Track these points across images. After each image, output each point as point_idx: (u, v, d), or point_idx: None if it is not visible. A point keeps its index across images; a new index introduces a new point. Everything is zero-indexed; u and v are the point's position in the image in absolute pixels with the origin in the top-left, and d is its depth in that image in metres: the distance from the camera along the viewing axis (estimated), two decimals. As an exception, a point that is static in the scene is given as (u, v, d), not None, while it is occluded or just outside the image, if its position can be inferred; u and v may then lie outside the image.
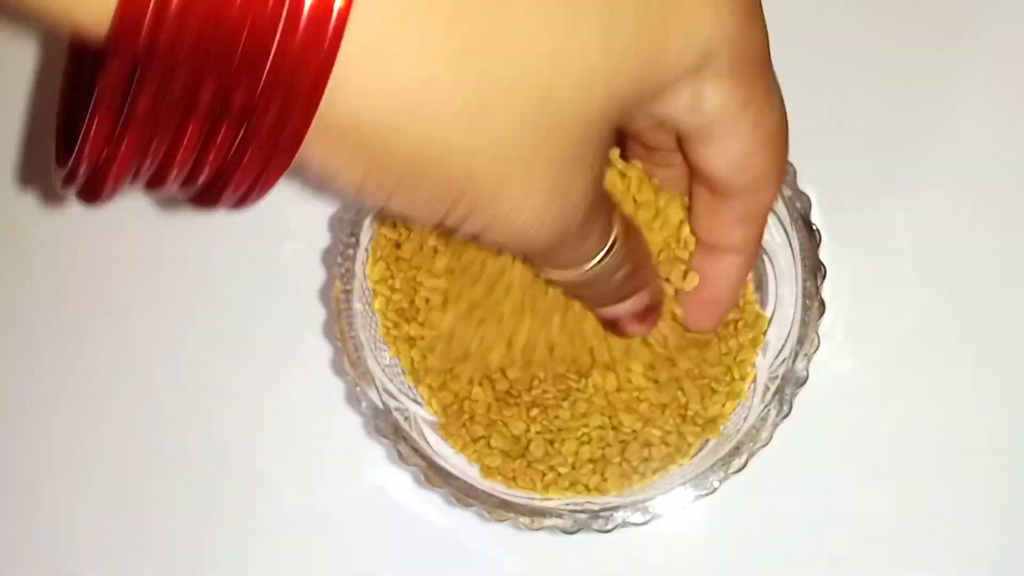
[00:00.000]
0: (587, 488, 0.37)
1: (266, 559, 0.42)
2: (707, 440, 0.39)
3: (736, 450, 0.36)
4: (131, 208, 0.44)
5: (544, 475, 0.37)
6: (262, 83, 0.20)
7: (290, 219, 0.43)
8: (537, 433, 0.37)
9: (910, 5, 0.44)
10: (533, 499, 0.37)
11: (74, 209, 0.44)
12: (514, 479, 0.37)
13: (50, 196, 0.45)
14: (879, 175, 0.43)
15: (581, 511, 0.36)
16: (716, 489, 0.36)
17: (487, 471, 0.37)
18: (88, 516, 0.42)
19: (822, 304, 0.36)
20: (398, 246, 0.38)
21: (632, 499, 0.36)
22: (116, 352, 0.43)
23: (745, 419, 0.38)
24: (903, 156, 0.43)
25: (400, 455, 0.35)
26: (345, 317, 0.36)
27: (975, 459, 0.41)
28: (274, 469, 0.42)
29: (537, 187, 0.24)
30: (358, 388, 0.36)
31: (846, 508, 0.41)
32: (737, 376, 0.39)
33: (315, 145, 0.22)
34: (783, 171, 0.32)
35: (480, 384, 0.38)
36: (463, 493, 0.35)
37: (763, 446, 0.36)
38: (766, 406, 0.36)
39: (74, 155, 0.21)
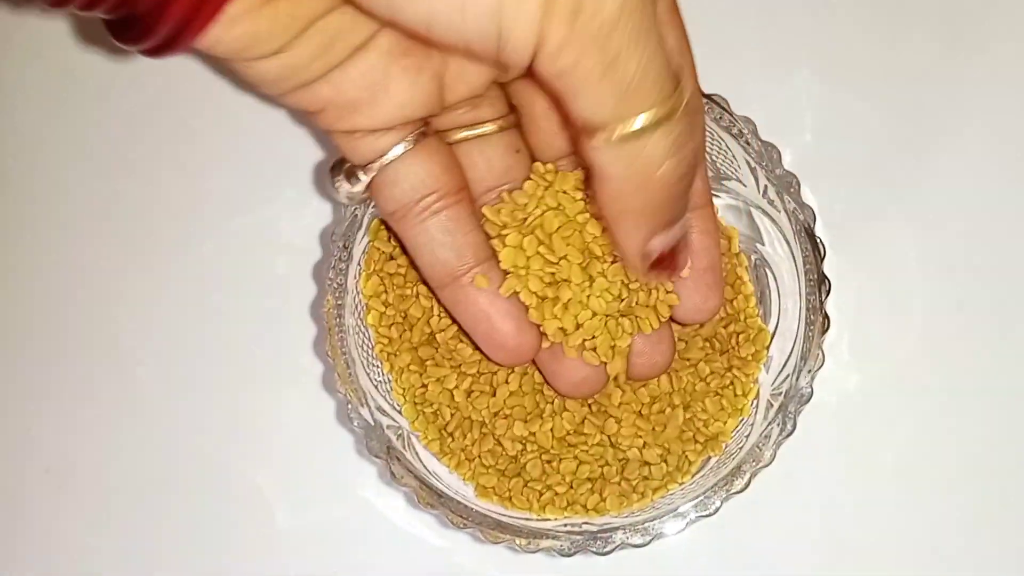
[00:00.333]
0: (585, 508, 0.36)
1: (258, 579, 0.41)
2: (708, 458, 0.38)
3: (738, 469, 0.35)
4: (121, 218, 0.43)
5: (541, 495, 0.37)
6: None
7: (282, 233, 0.43)
8: (533, 452, 0.36)
9: (914, 15, 0.43)
10: (529, 519, 0.36)
11: (61, 219, 0.43)
12: (510, 499, 0.36)
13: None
14: (884, 187, 0.42)
15: (579, 532, 0.35)
16: (718, 510, 0.35)
17: (482, 491, 0.36)
18: (77, 535, 0.42)
19: (826, 319, 0.36)
20: (392, 259, 0.37)
21: (631, 520, 0.35)
22: (105, 368, 0.42)
23: (747, 436, 0.37)
24: (908, 167, 0.42)
25: (393, 475, 0.34)
26: (337, 332, 0.35)
27: (985, 479, 0.40)
28: (265, 488, 0.41)
29: None
30: (349, 406, 0.35)
31: (851, 529, 0.41)
32: (739, 392, 0.38)
33: None
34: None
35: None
36: (457, 514, 0.34)
37: (766, 465, 0.35)
38: (769, 423, 0.35)
39: None
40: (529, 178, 0.33)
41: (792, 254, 0.37)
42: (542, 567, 0.40)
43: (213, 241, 0.43)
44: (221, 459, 0.42)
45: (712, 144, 0.38)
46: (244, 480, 0.41)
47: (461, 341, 0.37)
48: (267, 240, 0.43)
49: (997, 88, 0.42)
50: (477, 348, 0.35)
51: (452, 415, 0.37)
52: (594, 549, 0.34)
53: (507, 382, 0.37)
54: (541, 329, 0.33)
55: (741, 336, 0.38)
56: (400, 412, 0.37)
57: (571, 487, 0.37)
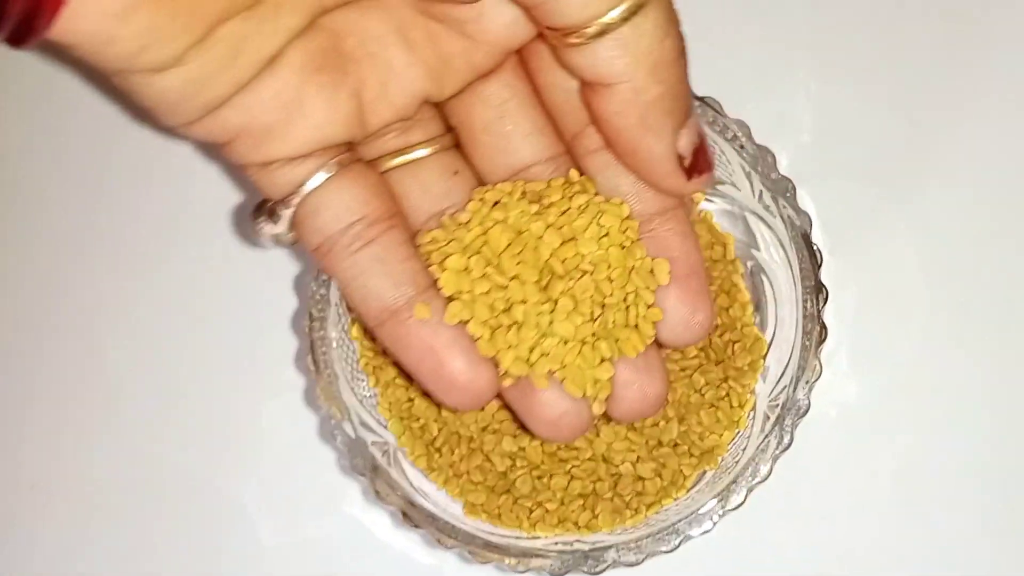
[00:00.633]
0: (576, 525, 0.36)
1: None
2: (704, 472, 0.37)
3: (733, 485, 0.34)
4: (102, 231, 0.43)
5: (531, 512, 0.36)
6: None
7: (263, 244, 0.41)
8: (523, 468, 0.35)
9: (915, 13, 0.42)
10: (519, 537, 0.35)
11: (40, 233, 0.42)
12: (499, 516, 0.35)
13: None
14: (884, 190, 0.41)
15: (570, 551, 0.34)
16: (713, 527, 0.33)
17: (471, 508, 0.36)
18: (62, 551, 0.41)
19: (824, 328, 0.35)
20: None
21: (624, 537, 0.34)
22: (88, 384, 0.42)
23: (744, 450, 0.36)
24: (909, 170, 0.41)
25: (377, 493, 0.33)
26: (319, 346, 0.34)
27: (990, 492, 0.39)
28: (250, 504, 0.40)
29: None
30: (333, 421, 0.34)
31: (850, 544, 0.39)
32: (736, 404, 0.37)
33: None
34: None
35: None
36: (444, 534, 0.33)
37: (762, 481, 0.34)
38: (766, 437, 0.34)
39: None
40: (472, 199, 0.31)
41: (788, 261, 0.36)
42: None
43: (194, 253, 0.42)
44: (205, 475, 0.41)
45: None
46: (228, 496, 0.41)
47: None
48: (248, 252, 0.42)
49: (1001, 88, 0.42)
50: (426, 395, 0.32)
51: (439, 430, 0.36)
52: (586, 569, 0.33)
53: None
54: (497, 365, 0.30)
55: (737, 345, 0.38)
56: (386, 427, 0.36)
57: (562, 503, 0.36)
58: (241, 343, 0.41)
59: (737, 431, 0.37)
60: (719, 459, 0.37)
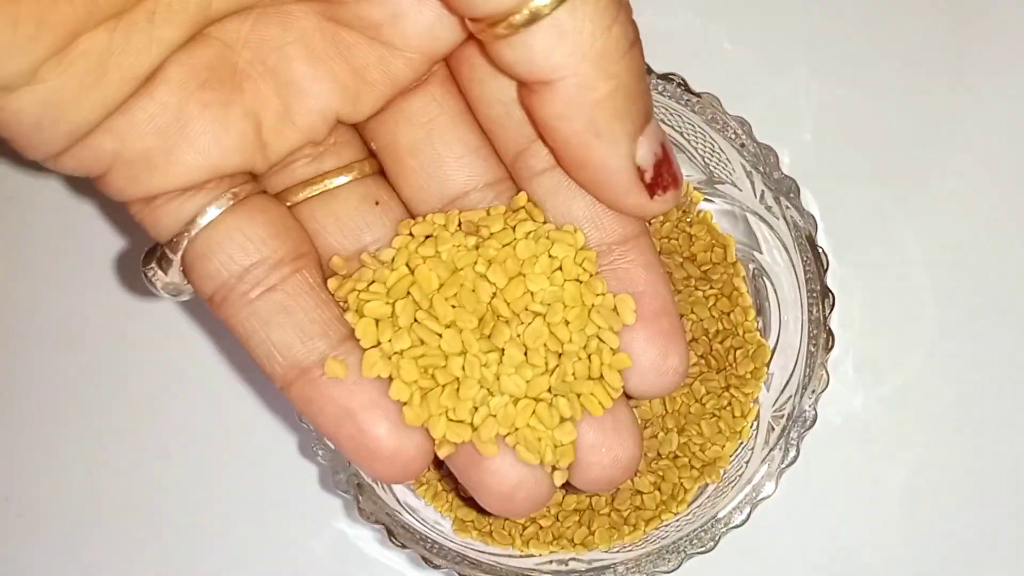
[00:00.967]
0: (572, 542, 0.34)
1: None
2: (705, 485, 0.36)
3: (738, 504, 0.32)
4: (72, 227, 0.41)
5: (524, 528, 0.35)
6: None
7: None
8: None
9: (918, 8, 0.41)
10: (511, 556, 0.33)
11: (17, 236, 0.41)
12: (490, 533, 0.34)
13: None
14: (889, 190, 0.40)
15: (566, 570, 0.32)
16: (716, 545, 0.32)
17: (460, 525, 0.34)
18: (38, 564, 0.40)
19: (831, 335, 0.33)
20: None
21: (623, 556, 0.33)
22: (66, 395, 0.41)
23: (747, 462, 0.35)
24: (915, 169, 0.40)
25: (361, 511, 0.32)
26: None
27: (1001, 505, 0.38)
28: (231, 521, 0.39)
29: None
30: (314, 434, 0.32)
31: (856, 560, 0.38)
32: (738, 413, 0.36)
33: None
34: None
35: None
36: (432, 553, 0.32)
37: (767, 497, 0.32)
38: (770, 450, 0.33)
39: None
40: (398, 233, 0.27)
41: (792, 264, 0.35)
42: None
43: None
44: (185, 488, 0.40)
45: (705, 146, 0.36)
46: (211, 510, 0.40)
47: None
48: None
49: (1006, 84, 0.41)
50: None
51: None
52: (582, 589, 0.32)
53: None
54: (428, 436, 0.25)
55: (739, 352, 0.36)
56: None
57: (557, 519, 0.34)
58: (221, 355, 0.40)
59: (740, 442, 0.36)
60: (721, 471, 0.35)
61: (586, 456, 0.26)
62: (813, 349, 0.33)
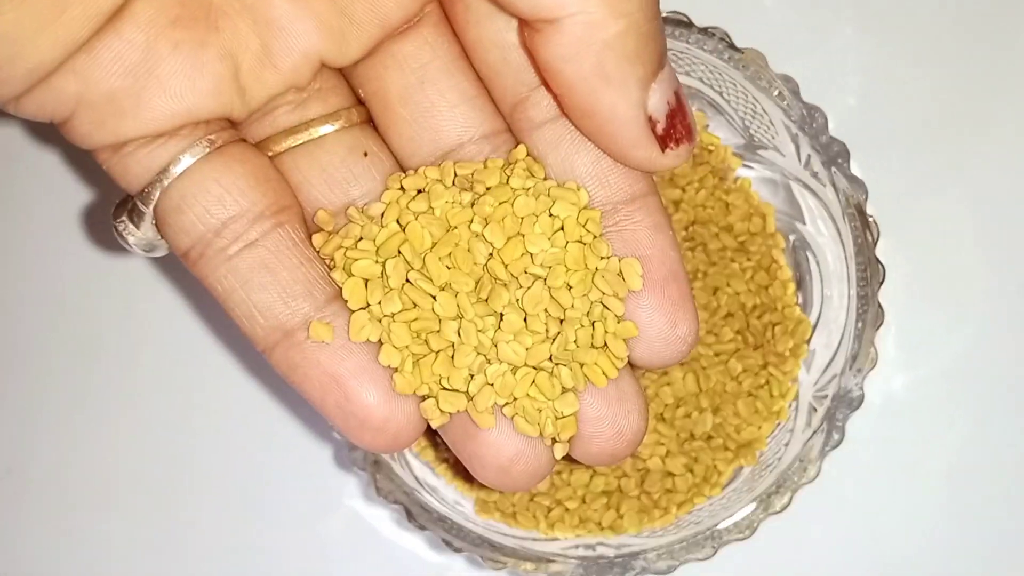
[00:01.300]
0: (599, 526, 0.33)
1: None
2: (740, 468, 0.34)
3: (777, 487, 0.30)
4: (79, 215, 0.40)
5: (549, 511, 0.33)
6: None
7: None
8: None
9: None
10: (536, 539, 0.32)
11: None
12: (514, 515, 0.33)
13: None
14: (938, 158, 0.38)
15: (593, 555, 0.31)
16: (753, 533, 0.30)
17: (482, 505, 0.33)
18: (40, 538, 0.39)
19: (880, 312, 0.31)
20: None
21: (653, 541, 0.31)
22: (67, 366, 0.40)
23: (787, 445, 0.33)
24: (965, 137, 0.38)
25: (378, 490, 0.30)
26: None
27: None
28: (244, 495, 0.38)
29: None
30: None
31: (897, 545, 0.37)
32: (776, 393, 0.35)
33: None
34: None
35: None
36: (452, 535, 0.30)
37: (809, 481, 0.31)
38: (814, 432, 0.31)
39: None
40: (387, 188, 0.25)
41: (839, 235, 0.34)
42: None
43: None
44: (193, 465, 0.39)
45: (745, 107, 0.34)
46: (220, 488, 0.39)
47: None
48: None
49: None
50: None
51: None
52: (611, 576, 0.30)
53: None
54: (421, 404, 0.24)
55: (778, 328, 0.35)
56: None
57: (584, 502, 0.33)
58: (233, 343, 0.39)
59: (778, 423, 0.35)
60: (757, 454, 0.34)
61: (588, 428, 0.24)
62: (861, 325, 0.32)
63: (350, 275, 0.24)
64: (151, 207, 0.24)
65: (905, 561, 0.37)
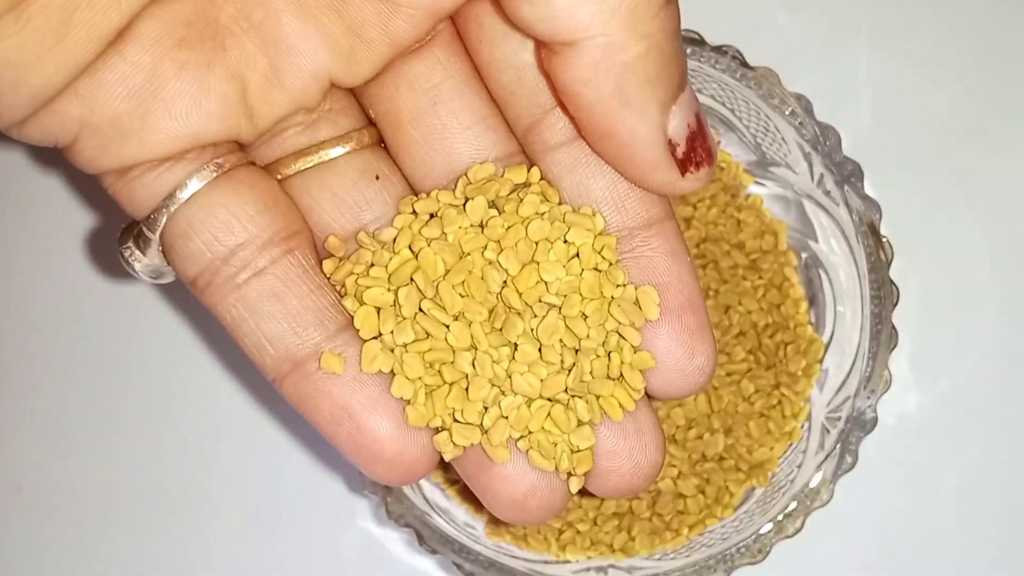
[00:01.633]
0: (611, 548, 0.33)
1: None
2: (752, 489, 0.34)
3: (790, 510, 0.30)
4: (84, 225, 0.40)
5: (560, 533, 0.33)
6: None
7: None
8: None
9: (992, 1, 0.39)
10: (547, 562, 0.32)
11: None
12: (524, 538, 0.33)
13: None
14: (952, 177, 0.38)
15: (604, 579, 0.31)
16: (765, 557, 0.30)
17: (493, 528, 0.33)
18: (51, 554, 0.39)
19: (894, 333, 0.31)
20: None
21: (666, 565, 0.31)
22: (78, 383, 0.39)
23: (799, 466, 0.33)
24: (980, 156, 0.38)
25: (389, 513, 0.30)
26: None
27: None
28: (250, 516, 0.38)
29: None
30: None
31: (911, 567, 0.36)
32: (788, 413, 0.35)
33: None
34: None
35: None
36: (463, 558, 0.30)
37: (822, 505, 0.30)
38: (827, 455, 0.31)
39: None
40: (399, 212, 0.24)
41: (852, 254, 0.33)
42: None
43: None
44: (205, 482, 0.38)
45: (757, 124, 0.34)
46: (229, 506, 0.38)
47: None
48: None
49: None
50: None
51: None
52: (623, 601, 0.30)
53: None
54: (434, 435, 0.23)
55: (790, 347, 0.35)
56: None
57: (595, 524, 0.33)
58: (243, 360, 0.38)
59: (790, 444, 0.34)
60: (769, 475, 0.33)
61: (605, 463, 0.24)
62: (874, 346, 0.31)
63: (362, 303, 0.23)
64: (157, 233, 0.23)
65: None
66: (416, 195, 0.24)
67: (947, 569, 0.36)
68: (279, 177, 0.24)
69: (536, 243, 0.23)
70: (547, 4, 0.20)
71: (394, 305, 0.23)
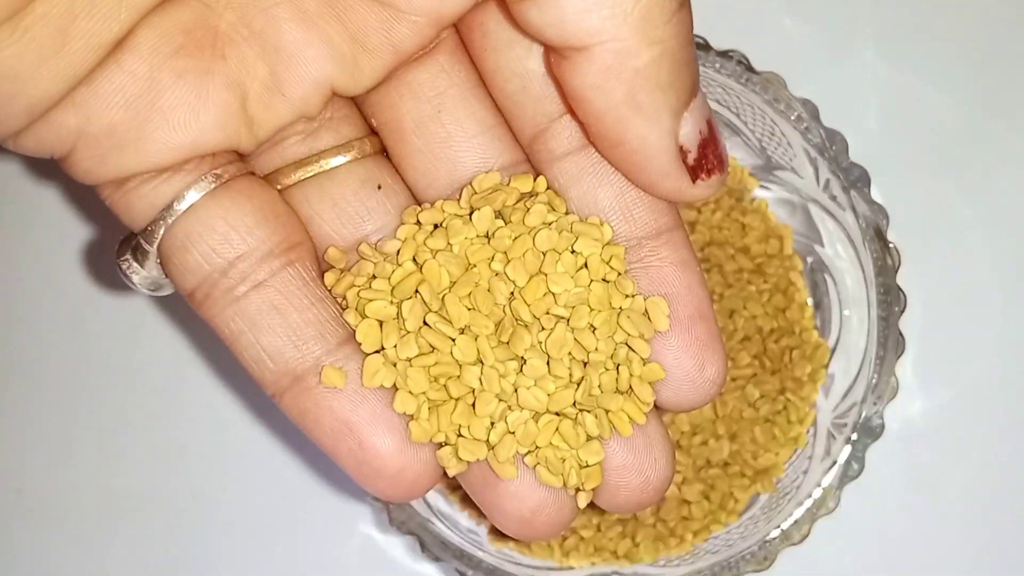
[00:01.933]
0: (615, 555, 0.33)
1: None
2: (757, 495, 0.34)
3: (796, 518, 0.30)
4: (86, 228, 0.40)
5: (564, 539, 0.33)
6: None
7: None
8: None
9: (998, 6, 0.38)
10: (551, 569, 0.31)
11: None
12: (527, 544, 0.32)
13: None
14: (957, 183, 0.38)
15: (608, 586, 0.30)
16: (771, 564, 0.30)
17: (496, 534, 0.33)
18: (50, 557, 0.39)
19: (901, 340, 0.31)
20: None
21: (669, 571, 0.31)
22: (78, 385, 0.39)
23: (805, 472, 0.32)
24: (982, 165, 0.38)
25: (391, 520, 0.30)
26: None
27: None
28: (257, 519, 0.38)
29: None
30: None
31: (916, 573, 0.36)
32: (793, 419, 0.34)
33: None
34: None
35: None
36: (466, 565, 0.30)
37: (828, 513, 0.30)
38: (833, 462, 0.31)
39: None
40: (403, 222, 0.24)
41: (858, 259, 0.33)
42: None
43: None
44: (203, 488, 0.38)
45: (763, 128, 0.34)
46: (231, 513, 0.38)
47: None
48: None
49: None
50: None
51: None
52: (627, 608, 0.30)
53: None
54: (437, 452, 0.23)
55: (795, 352, 0.35)
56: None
57: (599, 530, 0.33)
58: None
59: (796, 449, 0.34)
60: (775, 481, 0.33)
61: (614, 478, 0.23)
62: (881, 353, 0.31)
63: (364, 316, 0.23)
64: (155, 246, 0.23)
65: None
66: (419, 205, 0.24)
67: (950, 570, 0.36)
68: (279, 187, 0.24)
69: (544, 253, 0.23)
70: (557, 8, 0.20)
71: (397, 318, 0.23)
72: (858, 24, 0.38)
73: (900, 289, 0.31)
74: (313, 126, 0.24)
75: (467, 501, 0.33)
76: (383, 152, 0.25)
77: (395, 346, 0.22)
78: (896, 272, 0.31)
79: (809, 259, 0.35)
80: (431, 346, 0.22)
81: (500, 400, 0.22)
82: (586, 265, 0.23)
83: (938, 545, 0.36)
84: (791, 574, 0.34)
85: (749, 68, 0.32)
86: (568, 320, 0.22)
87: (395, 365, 0.22)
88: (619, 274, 0.23)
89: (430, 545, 0.30)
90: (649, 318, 0.23)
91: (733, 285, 0.35)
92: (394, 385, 0.23)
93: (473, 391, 0.22)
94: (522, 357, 0.22)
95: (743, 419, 0.34)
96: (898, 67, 0.38)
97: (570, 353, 0.22)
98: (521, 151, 0.24)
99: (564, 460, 0.22)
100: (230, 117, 0.23)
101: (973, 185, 0.38)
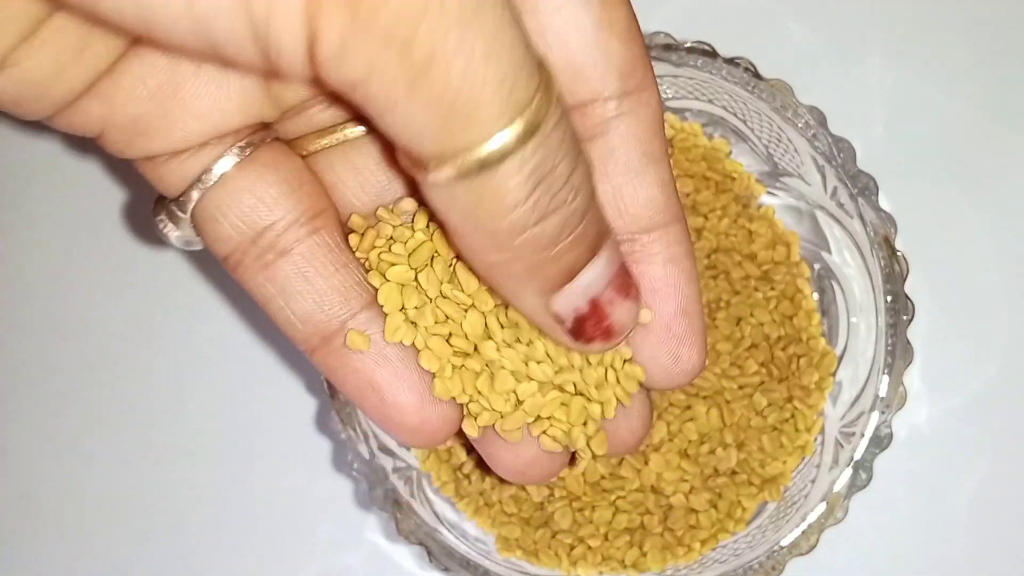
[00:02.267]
0: (622, 564, 0.33)
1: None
2: (764, 504, 0.34)
3: (804, 527, 0.30)
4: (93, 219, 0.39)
5: (572, 548, 0.33)
6: None
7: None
8: (562, 499, 0.32)
9: (997, 3, 0.38)
10: None
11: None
12: (535, 553, 0.33)
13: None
14: (964, 189, 0.38)
15: (616, 595, 0.30)
16: (779, 574, 0.30)
17: (504, 543, 0.33)
18: (53, 562, 0.39)
19: (909, 349, 0.31)
20: None
21: (677, 580, 0.31)
22: (82, 391, 0.39)
23: (813, 481, 0.32)
24: (990, 172, 0.38)
25: (399, 530, 0.29)
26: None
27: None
28: (262, 529, 0.38)
29: None
30: (349, 446, 0.30)
31: None
32: (801, 427, 0.34)
33: None
34: None
35: None
36: (473, 574, 0.30)
37: (836, 523, 0.30)
38: (841, 471, 0.30)
39: None
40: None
41: (866, 267, 0.33)
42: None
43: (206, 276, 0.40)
44: (208, 493, 0.38)
45: (770, 134, 0.34)
46: (236, 518, 0.38)
47: None
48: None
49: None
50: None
51: (468, 453, 0.32)
52: (635, 617, 0.30)
53: None
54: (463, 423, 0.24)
55: (803, 360, 0.34)
56: (408, 450, 0.32)
57: (606, 539, 0.33)
58: (255, 369, 0.39)
59: (803, 458, 0.34)
60: (782, 489, 0.33)
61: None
62: (889, 362, 0.31)
63: (385, 279, 0.24)
64: (188, 214, 0.24)
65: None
66: None
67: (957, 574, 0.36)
68: (304, 153, 0.25)
69: None
70: (431, 194, 0.20)
71: (415, 282, 0.23)
72: (865, 31, 0.38)
73: (908, 297, 0.31)
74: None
75: (475, 509, 0.33)
76: None
77: (416, 307, 0.23)
78: (904, 280, 0.31)
79: (816, 266, 0.35)
80: (447, 316, 0.23)
81: (509, 370, 0.23)
82: None
83: (947, 554, 0.36)
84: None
85: (756, 75, 0.31)
86: None
87: (414, 323, 0.23)
88: None
89: (437, 554, 0.30)
90: None
91: (740, 292, 0.35)
92: (414, 344, 0.23)
93: (487, 364, 0.23)
94: (528, 340, 0.23)
95: (751, 427, 0.33)
96: (906, 74, 0.38)
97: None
98: None
99: (567, 431, 0.24)
100: (251, 100, 0.23)
101: (981, 193, 0.38)
